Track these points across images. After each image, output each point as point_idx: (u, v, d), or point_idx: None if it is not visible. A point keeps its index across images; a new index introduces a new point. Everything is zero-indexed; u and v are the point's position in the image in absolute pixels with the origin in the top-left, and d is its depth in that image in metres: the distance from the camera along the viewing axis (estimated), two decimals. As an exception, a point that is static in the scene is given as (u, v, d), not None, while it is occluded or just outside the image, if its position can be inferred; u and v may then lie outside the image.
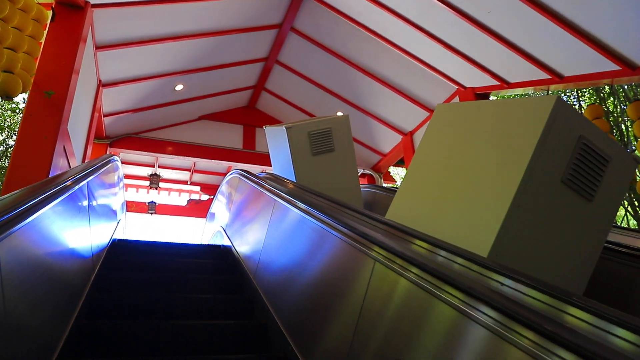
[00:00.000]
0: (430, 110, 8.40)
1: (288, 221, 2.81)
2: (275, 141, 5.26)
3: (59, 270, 2.11)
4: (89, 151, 6.72)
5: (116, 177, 4.47)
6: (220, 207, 5.74)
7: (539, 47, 5.62)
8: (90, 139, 6.73)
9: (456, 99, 7.80)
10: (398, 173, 15.25)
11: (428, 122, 2.94)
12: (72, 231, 2.42)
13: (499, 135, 2.20)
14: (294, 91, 9.56)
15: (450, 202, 2.43)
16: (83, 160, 6.49)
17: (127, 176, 11.75)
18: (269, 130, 5.38)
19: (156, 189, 10.48)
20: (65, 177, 2.43)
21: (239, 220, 4.14)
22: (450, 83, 7.55)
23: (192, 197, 12.94)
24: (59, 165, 4.72)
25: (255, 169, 10.73)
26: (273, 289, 2.71)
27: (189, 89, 8.75)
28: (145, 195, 12.43)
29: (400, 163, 10.39)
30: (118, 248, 3.92)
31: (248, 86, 9.73)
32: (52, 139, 4.47)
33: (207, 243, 5.93)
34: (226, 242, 4.69)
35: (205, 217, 12.60)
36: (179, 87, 8.51)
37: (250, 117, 10.41)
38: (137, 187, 12.71)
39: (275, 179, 3.34)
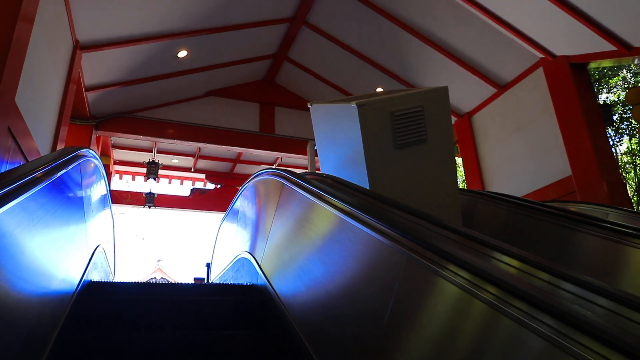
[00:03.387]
0: (498, 87, 6.69)
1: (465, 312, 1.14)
2: (331, 125, 3.54)
3: None
4: (63, 134, 4.97)
5: (86, 190, 2.74)
6: (245, 221, 4.01)
7: None
8: (64, 118, 4.98)
9: (539, 72, 6.08)
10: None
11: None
12: None
13: None
14: (325, 61, 7.75)
15: None
16: (54, 146, 4.75)
17: (120, 162, 10.03)
18: (319, 109, 3.65)
19: (154, 179, 8.75)
20: None
21: (296, 260, 2.42)
22: (533, 50, 5.81)
23: (196, 186, 11.27)
24: (2, 148, 3.04)
25: (272, 156, 9.01)
26: None
27: (195, 57, 6.94)
28: (141, 184, 10.75)
29: (448, 151, 8.64)
30: (84, 311, 2.22)
31: (267, 55, 7.90)
32: (-19, 120, 2.75)
33: (229, 282, 4.18)
34: (261, 281, 3.01)
35: (211, 210, 10.98)
36: (182, 54, 6.71)
37: (268, 93, 8.60)
38: (133, 174, 11.03)
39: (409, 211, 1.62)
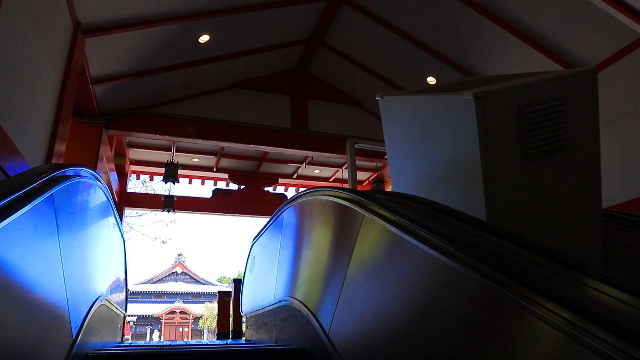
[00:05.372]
0: (578, 72, 5.53)
1: None
2: (417, 126, 2.53)
3: None
4: (63, 132, 4.07)
5: (68, 230, 1.79)
6: (291, 254, 3.03)
7: None
8: (64, 115, 4.07)
9: (636, 54, 4.97)
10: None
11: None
12: None
13: None
14: (367, 46, 6.69)
15: None
16: (51, 147, 3.84)
17: (136, 162, 9.18)
18: (395, 104, 2.65)
19: (174, 182, 7.87)
20: None
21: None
22: (633, 24, 4.64)
23: (218, 187, 10.40)
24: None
25: (302, 155, 8.04)
26: None
27: (218, 42, 5.99)
28: (160, 184, 9.94)
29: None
30: None
31: (299, 40, 6.89)
32: None
33: (272, 344, 3.19)
34: (322, 347, 2.04)
35: (235, 213, 10.09)
36: (204, 39, 5.75)
37: (300, 84, 7.58)
38: (151, 173, 10.21)
39: None
